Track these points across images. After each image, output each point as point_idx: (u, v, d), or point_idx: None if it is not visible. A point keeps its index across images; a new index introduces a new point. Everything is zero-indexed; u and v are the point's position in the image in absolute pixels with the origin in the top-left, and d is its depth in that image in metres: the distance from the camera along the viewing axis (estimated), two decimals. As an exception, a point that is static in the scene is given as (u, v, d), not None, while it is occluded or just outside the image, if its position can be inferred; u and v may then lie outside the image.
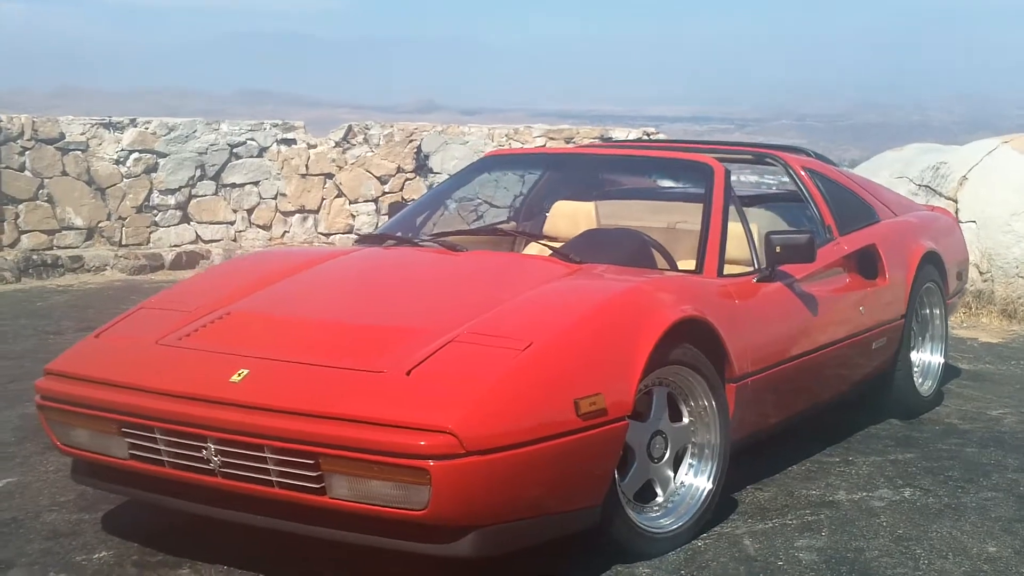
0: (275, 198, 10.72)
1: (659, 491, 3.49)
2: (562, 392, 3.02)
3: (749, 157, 4.97)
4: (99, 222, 9.99)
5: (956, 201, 8.01)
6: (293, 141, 10.79)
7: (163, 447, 3.13)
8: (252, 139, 10.65)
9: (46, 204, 9.76)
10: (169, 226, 10.33)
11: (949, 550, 3.46)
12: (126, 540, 3.43)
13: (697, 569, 3.27)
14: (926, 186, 8.32)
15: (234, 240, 10.55)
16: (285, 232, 10.74)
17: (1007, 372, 6.19)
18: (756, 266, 4.12)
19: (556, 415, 2.98)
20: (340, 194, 10.87)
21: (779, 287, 4.07)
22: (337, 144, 10.88)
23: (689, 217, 4.55)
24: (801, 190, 4.73)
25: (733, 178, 4.46)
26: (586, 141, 10.87)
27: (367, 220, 10.82)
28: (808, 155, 5.15)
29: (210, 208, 10.51)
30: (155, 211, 10.27)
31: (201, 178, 10.45)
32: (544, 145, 10.96)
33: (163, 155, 10.27)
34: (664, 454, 3.47)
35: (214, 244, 10.42)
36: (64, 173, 9.84)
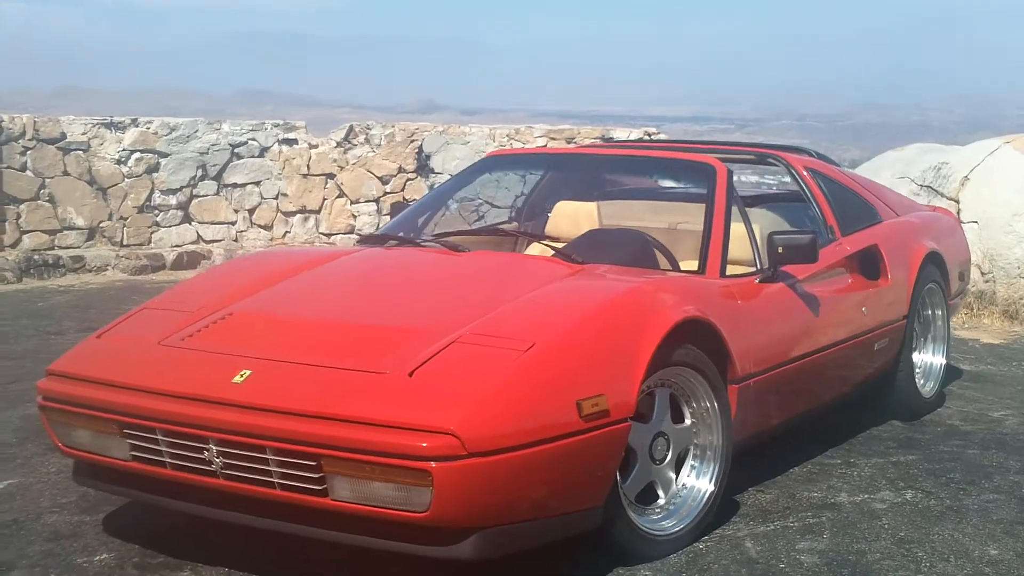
0: (276, 198, 10.72)
1: (661, 493, 3.48)
2: (564, 393, 3.01)
3: (751, 157, 4.96)
4: (100, 222, 9.99)
5: (958, 201, 8.00)
6: (294, 141, 10.79)
7: (165, 448, 3.13)
8: (253, 139, 10.65)
9: (47, 204, 9.75)
10: (170, 226, 10.33)
11: (951, 552, 3.45)
12: (127, 542, 3.42)
13: (699, 571, 3.26)
14: (928, 186, 8.31)
15: (235, 240, 10.54)
16: (286, 232, 10.74)
17: (1009, 373, 6.18)
18: (758, 266, 4.12)
19: (558, 416, 2.98)
20: (341, 194, 10.86)
21: (781, 288, 4.06)
22: (338, 144, 10.87)
23: (691, 217, 4.55)
24: (803, 190, 4.72)
25: (733, 178, 4.45)
26: (587, 141, 10.87)
27: (368, 220, 10.81)
28: (810, 155, 5.15)
29: (211, 208, 10.50)
30: (156, 211, 10.26)
31: (202, 178, 10.45)
32: (545, 145, 10.95)
33: (164, 155, 10.27)
34: (666, 456, 3.47)
35: (215, 244, 10.42)
36: (65, 173, 9.84)
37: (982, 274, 7.78)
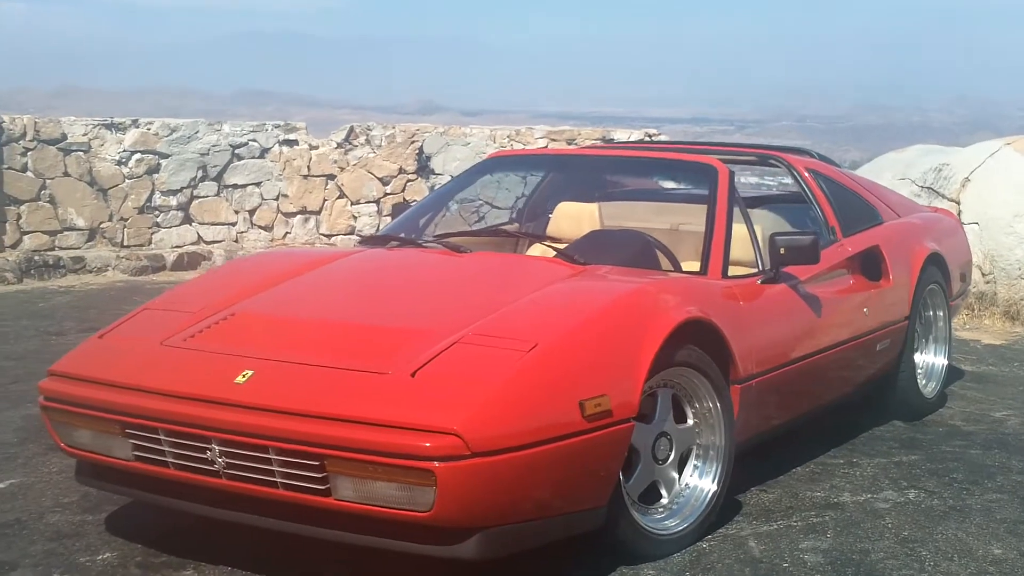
0: (277, 199, 10.72)
1: (664, 493, 3.48)
2: (567, 393, 3.01)
3: (753, 158, 4.97)
4: (101, 223, 9.99)
5: (958, 203, 8.00)
6: (295, 142, 10.79)
7: (167, 448, 3.13)
8: (254, 140, 10.65)
9: (48, 205, 9.75)
10: (171, 227, 10.33)
11: (954, 552, 3.45)
12: (130, 541, 3.43)
13: (702, 571, 3.26)
14: (928, 188, 8.31)
15: (236, 241, 10.54)
16: (287, 233, 10.74)
17: (1010, 374, 6.18)
18: (760, 267, 4.12)
19: (561, 416, 2.98)
20: (342, 195, 10.86)
21: (783, 289, 4.06)
22: (339, 145, 10.87)
23: (692, 218, 4.55)
24: (805, 191, 4.72)
25: (735, 179, 4.45)
26: (588, 142, 10.87)
27: (369, 221, 10.81)
28: (811, 156, 5.15)
29: (212, 209, 10.50)
30: (157, 212, 10.26)
31: (203, 179, 10.45)
32: (546, 146, 10.95)
33: (165, 156, 10.27)
34: (669, 456, 3.47)
35: (216, 245, 10.42)
36: (66, 174, 9.84)
37: (983, 275, 7.78)
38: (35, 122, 9.75)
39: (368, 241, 4.54)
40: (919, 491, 4.03)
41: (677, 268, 4.12)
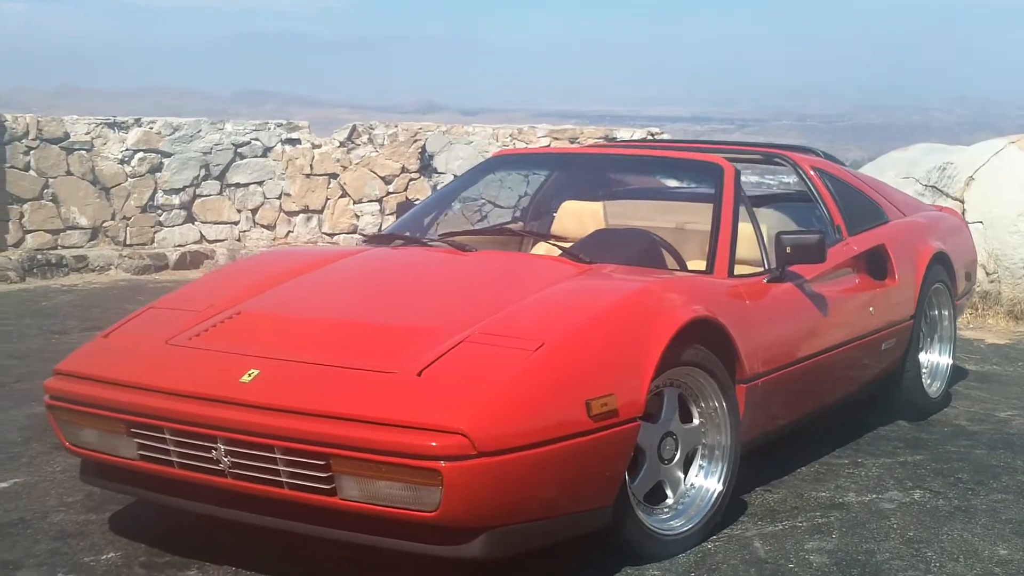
0: (279, 198, 10.71)
1: (669, 493, 3.47)
2: (574, 393, 3.01)
3: (758, 157, 4.96)
4: (103, 222, 9.98)
5: (963, 202, 7.99)
6: (297, 141, 10.78)
7: (172, 447, 3.12)
8: (256, 139, 10.64)
9: (51, 204, 9.75)
10: (173, 226, 10.32)
11: (960, 552, 3.44)
12: (134, 541, 3.42)
13: (707, 571, 3.25)
14: (932, 186, 8.30)
15: (238, 240, 10.54)
16: (289, 232, 10.73)
17: (1014, 373, 6.17)
18: (766, 266, 4.11)
19: (568, 416, 2.97)
20: (344, 194, 10.86)
21: (789, 288, 4.05)
22: (341, 144, 10.87)
23: (697, 217, 4.55)
24: (810, 190, 4.71)
25: (740, 178, 4.44)
26: (590, 141, 10.86)
27: (371, 220, 10.80)
28: (817, 155, 5.14)
29: (214, 208, 10.50)
30: (159, 211, 10.26)
31: (205, 178, 10.44)
32: (548, 145, 10.94)
33: (168, 155, 10.26)
34: (674, 455, 3.46)
35: (218, 244, 10.41)
36: (69, 173, 9.83)
37: (987, 274, 7.77)
38: (38, 121, 9.74)
39: (373, 240, 4.53)
40: (924, 491, 4.02)
41: (683, 267, 4.11)
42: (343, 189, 10.85)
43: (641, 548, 3.29)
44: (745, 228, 4.17)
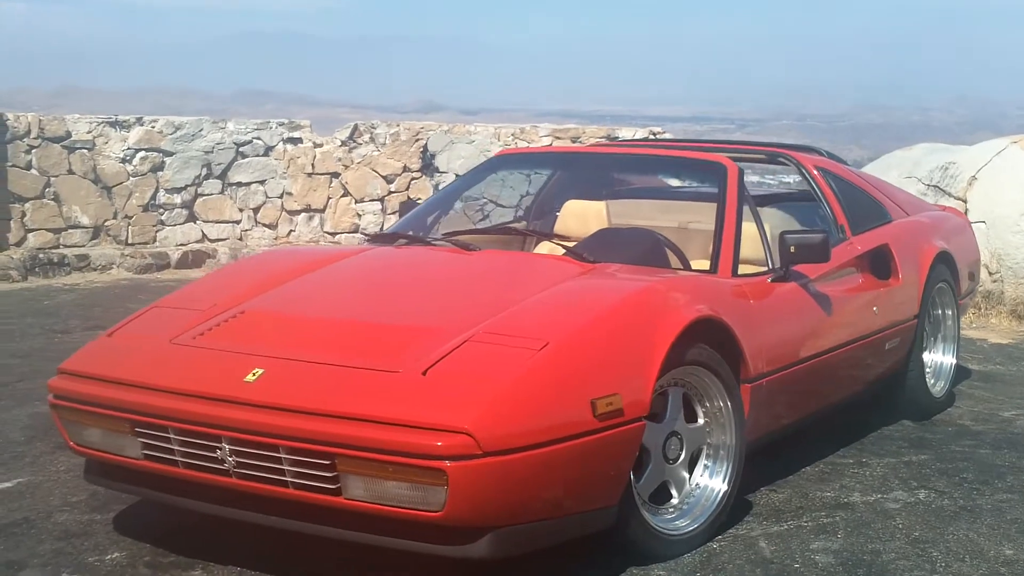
0: (281, 197, 10.70)
1: (674, 492, 3.47)
2: (579, 392, 3.00)
3: (762, 156, 4.95)
4: (105, 221, 9.98)
5: (965, 201, 7.99)
6: (299, 140, 10.78)
7: (177, 447, 3.11)
8: (258, 138, 10.63)
9: (52, 203, 9.74)
10: (175, 225, 10.31)
11: (966, 552, 3.44)
12: (138, 541, 3.41)
13: (713, 571, 3.25)
14: (935, 186, 8.29)
15: (240, 239, 10.53)
16: (291, 231, 10.72)
17: (1018, 373, 6.17)
18: (770, 266, 4.11)
19: (573, 415, 2.96)
20: (346, 193, 10.85)
21: (793, 287, 4.05)
22: (343, 143, 10.86)
23: (701, 216, 4.54)
24: (814, 189, 4.71)
25: (744, 177, 4.43)
26: (592, 140, 10.85)
27: (373, 219, 10.79)
28: (820, 154, 5.14)
29: (216, 207, 10.49)
30: (161, 210, 10.25)
31: (207, 177, 10.44)
32: (551, 144, 10.93)
33: (169, 154, 10.25)
34: (679, 455, 3.45)
35: (220, 243, 10.40)
36: (70, 171, 9.82)
37: (990, 274, 7.77)
38: (39, 120, 9.73)
39: (376, 239, 4.52)
40: (929, 491, 4.02)
41: (686, 266, 4.11)
42: (345, 188, 10.84)
43: (646, 548, 3.28)
44: (749, 227, 4.17)
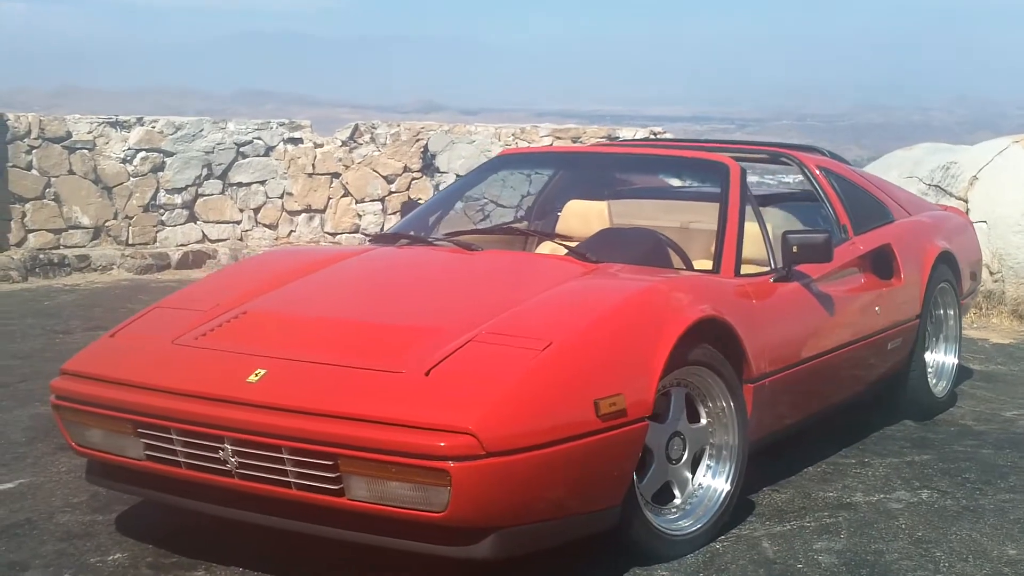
0: (281, 197, 10.70)
1: (677, 493, 3.46)
2: (582, 392, 3.00)
3: (764, 156, 4.95)
4: (106, 221, 9.97)
5: (966, 201, 7.98)
6: (300, 140, 10.77)
7: (179, 448, 3.11)
8: (259, 138, 10.63)
9: (53, 203, 9.74)
10: (176, 225, 10.31)
11: (969, 552, 3.43)
12: (140, 541, 3.41)
13: (716, 572, 3.24)
14: (936, 186, 8.29)
15: (240, 240, 10.53)
16: (291, 231, 10.72)
17: (1020, 373, 6.16)
18: (773, 266, 4.10)
19: (576, 416, 2.96)
20: (347, 193, 10.85)
21: (796, 287, 4.04)
22: (343, 143, 10.85)
23: (703, 216, 4.54)
24: (816, 189, 4.70)
25: (747, 177, 4.43)
26: (592, 140, 10.85)
27: (373, 220, 10.79)
28: (823, 154, 5.13)
29: (217, 207, 10.49)
30: (162, 210, 10.25)
31: (208, 177, 10.43)
32: (551, 144, 10.92)
33: (170, 154, 10.25)
34: (682, 455, 3.45)
35: (220, 243, 10.40)
36: (71, 172, 9.82)
37: (991, 274, 7.76)
38: (40, 120, 9.73)
39: (378, 239, 4.52)
40: (932, 491, 4.01)
41: (689, 266, 4.10)
42: (345, 188, 10.84)
43: (649, 548, 3.28)
44: (751, 227, 4.16)
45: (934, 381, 5.13)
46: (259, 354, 3.20)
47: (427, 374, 2.99)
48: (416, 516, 2.84)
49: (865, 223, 4.73)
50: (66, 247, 9.70)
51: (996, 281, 7.79)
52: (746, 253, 4.07)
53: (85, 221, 9.86)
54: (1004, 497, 3.97)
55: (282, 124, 10.82)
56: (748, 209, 4.19)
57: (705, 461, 3.53)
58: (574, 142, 10.94)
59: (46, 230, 9.68)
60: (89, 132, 9.92)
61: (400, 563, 3.16)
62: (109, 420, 3.23)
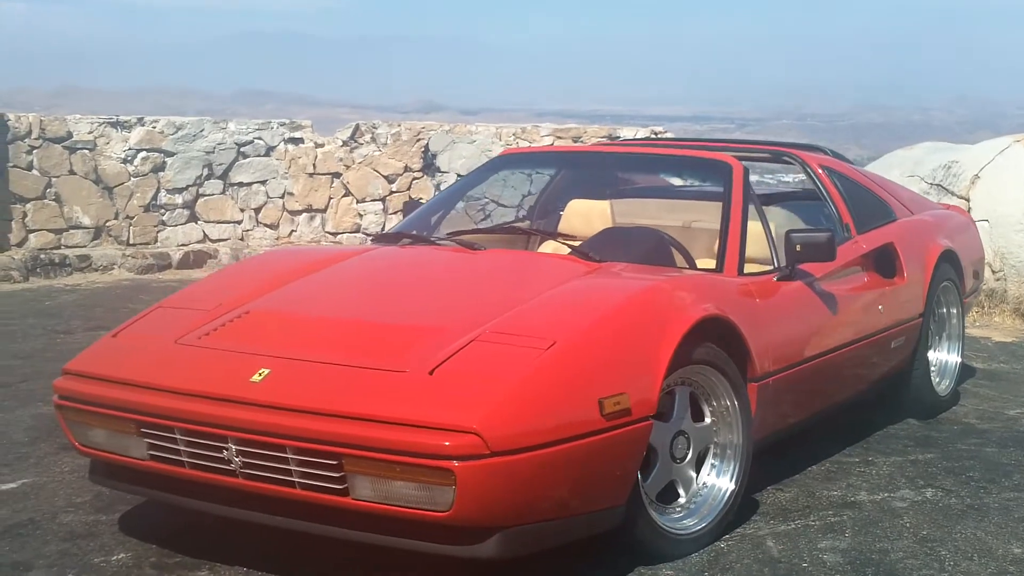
0: (282, 197, 10.70)
1: (681, 492, 3.46)
2: (586, 391, 2.99)
3: (766, 155, 4.94)
4: (107, 221, 9.97)
5: (968, 200, 7.98)
6: (300, 140, 10.77)
7: (183, 447, 3.10)
8: (259, 138, 10.62)
9: (54, 203, 9.73)
10: (176, 225, 10.31)
11: (974, 551, 3.43)
12: (144, 541, 3.40)
13: (721, 571, 3.24)
14: (938, 185, 8.29)
15: (241, 239, 10.52)
16: (292, 231, 10.72)
17: (1022, 371, 6.16)
18: (776, 265, 4.10)
19: (580, 415, 2.96)
20: (347, 193, 10.84)
21: (799, 286, 4.04)
22: (344, 143, 10.85)
23: (705, 215, 4.53)
24: (819, 188, 4.70)
25: (749, 176, 4.42)
26: (594, 140, 10.84)
27: (374, 219, 10.79)
28: (825, 153, 5.13)
29: (217, 207, 10.48)
30: (162, 210, 10.24)
31: (208, 177, 10.43)
32: (552, 144, 10.91)
33: (170, 154, 10.25)
34: (686, 454, 3.44)
35: (221, 243, 10.39)
36: (71, 172, 9.81)
37: (993, 272, 7.76)
38: (40, 120, 9.72)
39: (381, 239, 4.51)
40: (936, 490, 4.01)
41: (692, 265, 4.10)
42: (346, 188, 10.84)
43: (654, 548, 3.27)
44: (754, 226, 4.16)
45: (937, 380, 5.13)
46: (262, 354, 3.20)
47: (431, 373, 2.98)
48: (421, 515, 2.83)
49: (868, 222, 4.73)
50: (67, 247, 9.70)
51: (998, 280, 7.78)
52: (749, 252, 4.07)
53: (86, 221, 9.85)
54: (1008, 495, 3.96)
55: (283, 124, 10.82)
56: (751, 208, 4.19)
57: (709, 460, 3.53)
58: (575, 142, 10.94)
59: (47, 230, 9.68)
60: (90, 132, 9.92)
61: (405, 563, 3.15)
62: (112, 420, 3.22)
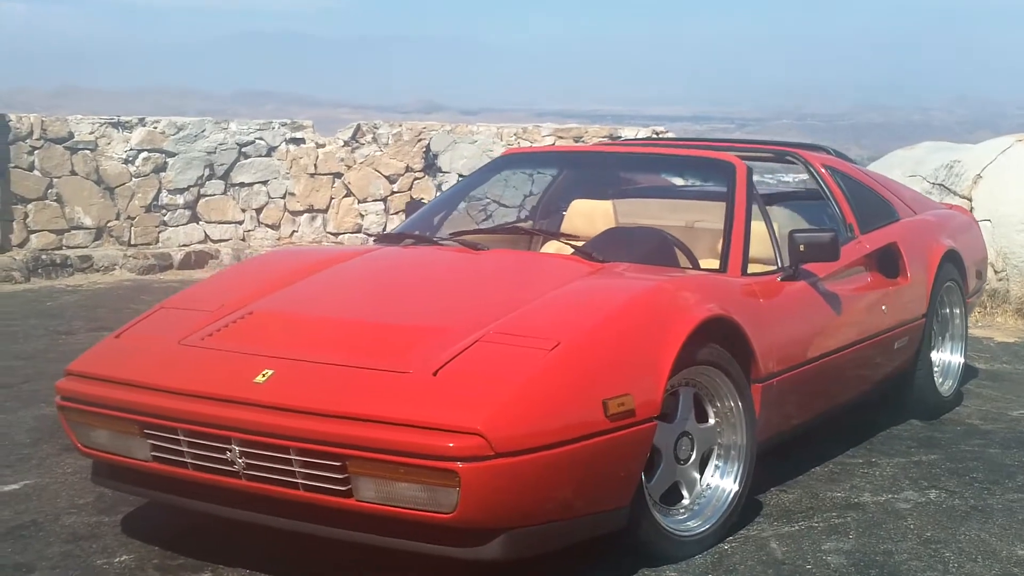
0: (284, 197, 10.69)
1: (685, 493, 3.45)
2: (590, 392, 2.98)
3: (769, 155, 4.93)
4: (108, 222, 9.96)
5: (970, 200, 7.97)
6: (302, 140, 10.76)
7: (186, 449, 3.09)
8: (261, 138, 10.62)
9: (55, 204, 9.72)
10: (178, 225, 10.30)
11: (978, 553, 3.42)
12: (147, 543, 3.39)
13: (725, 572, 3.23)
14: (940, 184, 8.28)
15: (243, 240, 10.51)
16: (294, 232, 10.71)
17: (1025, 372, 6.15)
18: (779, 265, 4.09)
19: (585, 416, 2.95)
20: (349, 193, 10.84)
21: (803, 286, 4.03)
22: (346, 143, 10.84)
23: (708, 215, 4.53)
24: (822, 188, 4.69)
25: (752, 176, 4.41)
26: (595, 140, 10.84)
27: (376, 220, 10.78)
28: (828, 153, 5.12)
29: (219, 207, 10.47)
30: (164, 210, 10.23)
31: (210, 177, 10.42)
32: (553, 144, 10.91)
33: (172, 154, 10.24)
34: (690, 456, 3.43)
35: (223, 244, 10.39)
36: (73, 172, 9.81)
37: (995, 272, 7.75)
38: (42, 121, 9.72)
39: (383, 239, 4.50)
40: (940, 491, 4.00)
41: (695, 266, 4.09)
42: (347, 188, 10.83)
43: (657, 549, 3.26)
44: (758, 226, 4.15)
45: (940, 380, 5.12)
46: (266, 354, 3.19)
47: (435, 374, 2.97)
48: (425, 517, 2.82)
49: (871, 222, 4.72)
50: (68, 248, 9.69)
51: (1001, 280, 7.77)
52: (753, 252, 4.06)
53: (87, 222, 9.85)
54: (1012, 497, 3.95)
55: (284, 124, 10.81)
56: (754, 208, 4.18)
57: (713, 461, 3.52)
58: (576, 141, 10.94)
59: (48, 231, 9.67)
60: (91, 133, 9.91)
61: (408, 564, 3.15)
62: (115, 421, 3.21)
